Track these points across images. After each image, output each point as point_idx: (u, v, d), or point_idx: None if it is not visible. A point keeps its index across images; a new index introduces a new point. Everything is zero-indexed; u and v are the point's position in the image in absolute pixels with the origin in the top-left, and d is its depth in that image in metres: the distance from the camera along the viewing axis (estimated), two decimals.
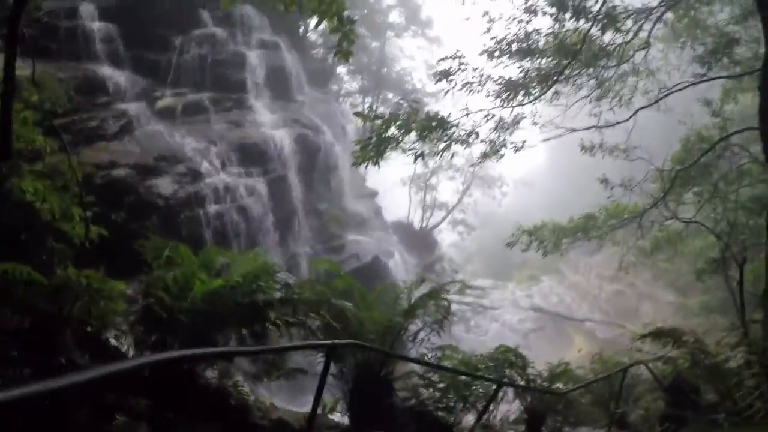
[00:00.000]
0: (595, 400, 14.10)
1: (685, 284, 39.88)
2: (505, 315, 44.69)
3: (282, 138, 28.01)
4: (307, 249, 28.93)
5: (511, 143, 15.39)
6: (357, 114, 13.80)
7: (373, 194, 43.62)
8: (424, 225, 52.33)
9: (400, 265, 35.85)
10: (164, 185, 21.61)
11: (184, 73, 28.24)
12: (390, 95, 49.07)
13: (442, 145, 13.55)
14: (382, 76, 49.66)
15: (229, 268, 7.69)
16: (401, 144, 12.40)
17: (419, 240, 47.14)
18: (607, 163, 20.27)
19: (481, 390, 10.35)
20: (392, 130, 11.96)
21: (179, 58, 28.34)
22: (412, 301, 9.53)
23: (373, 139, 11.88)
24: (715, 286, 31.95)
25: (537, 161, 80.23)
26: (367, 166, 12.32)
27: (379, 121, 12.03)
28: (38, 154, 8.43)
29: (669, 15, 17.64)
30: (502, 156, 15.71)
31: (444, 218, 55.35)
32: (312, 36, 45.93)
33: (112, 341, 7.51)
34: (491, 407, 10.21)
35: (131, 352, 7.44)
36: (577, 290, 49.81)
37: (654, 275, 41.02)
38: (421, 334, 9.90)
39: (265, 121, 28.77)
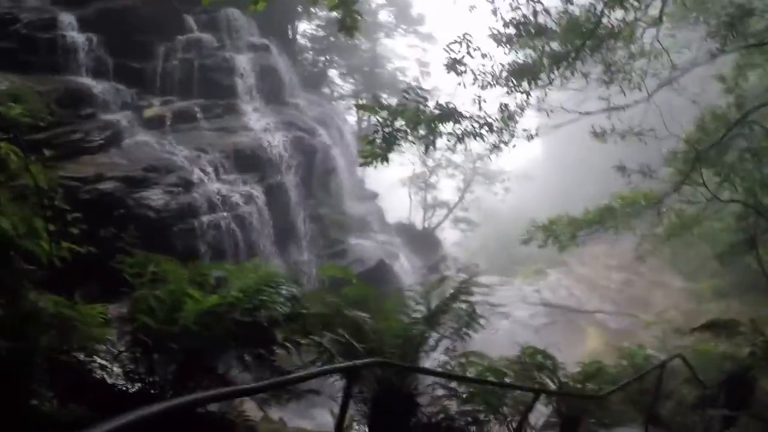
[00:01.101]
0: (628, 397, 13.20)
1: (693, 270, 39.44)
2: (514, 311, 43.67)
3: (277, 142, 27.09)
4: (310, 256, 28.01)
5: (524, 131, 14.47)
6: (359, 106, 12.64)
7: (374, 196, 42.76)
8: (426, 225, 51.46)
9: (407, 268, 34.95)
10: (155, 197, 20.57)
11: (171, 81, 27.31)
12: (384, 96, 48.23)
13: (453, 139, 12.60)
14: (374, 76, 48.77)
15: (226, 282, 6.71)
16: (410, 137, 11.43)
17: (422, 240, 46.24)
18: (606, 150, 19.60)
19: (509, 400, 9.47)
20: (399, 122, 11.02)
21: (165, 65, 27.40)
22: (432, 305, 8.66)
23: (380, 133, 10.91)
24: (725, 270, 31.58)
25: (533, 154, 79.79)
26: (376, 166, 11.34)
27: (385, 113, 11.02)
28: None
29: None
30: (514, 146, 14.74)
31: (446, 217, 54.37)
32: (302, 40, 45.25)
33: (98, 372, 6.60)
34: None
35: (120, 383, 6.54)
36: (585, 282, 48.84)
37: (662, 262, 40.26)
38: (443, 342, 9.04)
39: (258, 125, 27.82)
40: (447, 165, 52.94)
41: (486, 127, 12.86)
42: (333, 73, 49.29)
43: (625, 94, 17.00)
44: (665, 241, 21.81)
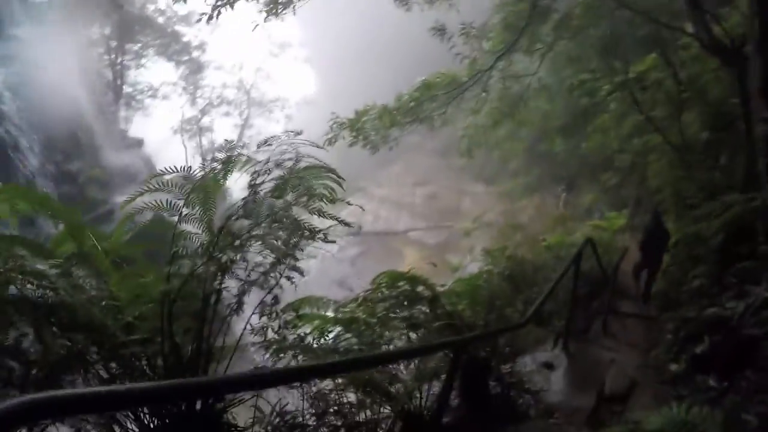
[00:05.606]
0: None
1: (492, 175, 38.17)
2: (321, 248, 40.24)
3: None
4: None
5: None
6: None
7: (138, 143, 36.81)
8: None
9: None
10: None
11: None
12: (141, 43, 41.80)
13: None
14: (125, 16, 41.60)
15: None
16: None
17: None
18: (386, 66, 16.74)
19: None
20: None
21: None
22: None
23: None
24: (526, 169, 30.39)
25: (309, 87, 76.12)
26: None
27: None
28: None
29: None
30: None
31: None
32: None
33: None
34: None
35: None
36: (390, 203, 46.14)
37: (459, 172, 38.87)
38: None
39: None
40: (219, 103, 47.95)
41: None
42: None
43: None
44: (490, 129, 18.79)
